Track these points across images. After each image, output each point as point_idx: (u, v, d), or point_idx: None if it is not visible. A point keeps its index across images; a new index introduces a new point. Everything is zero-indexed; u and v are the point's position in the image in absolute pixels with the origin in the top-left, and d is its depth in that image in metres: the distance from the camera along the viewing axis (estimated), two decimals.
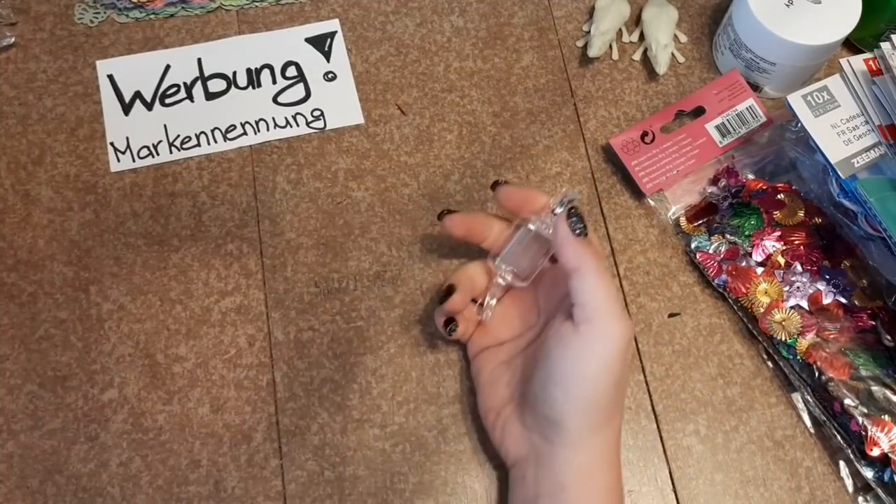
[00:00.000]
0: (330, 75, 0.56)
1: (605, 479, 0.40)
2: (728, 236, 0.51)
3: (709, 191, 0.53)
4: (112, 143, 0.52)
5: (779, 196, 0.51)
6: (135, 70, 0.55)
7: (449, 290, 0.44)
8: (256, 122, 0.54)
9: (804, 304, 0.49)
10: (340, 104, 0.55)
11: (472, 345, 0.47)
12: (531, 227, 0.44)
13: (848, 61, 0.50)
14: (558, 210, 0.43)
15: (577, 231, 0.40)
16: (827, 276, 0.49)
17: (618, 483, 0.41)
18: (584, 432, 0.39)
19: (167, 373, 0.47)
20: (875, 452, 0.44)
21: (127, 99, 0.54)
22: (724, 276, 0.50)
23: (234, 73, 0.55)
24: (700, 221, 0.52)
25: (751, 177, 0.52)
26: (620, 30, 0.58)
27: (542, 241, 0.44)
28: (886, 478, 0.44)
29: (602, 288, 0.39)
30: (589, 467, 0.39)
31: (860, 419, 0.45)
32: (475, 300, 0.46)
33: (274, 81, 0.55)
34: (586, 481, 0.39)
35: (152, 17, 0.56)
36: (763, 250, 0.50)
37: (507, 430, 0.42)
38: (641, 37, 0.58)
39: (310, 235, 0.51)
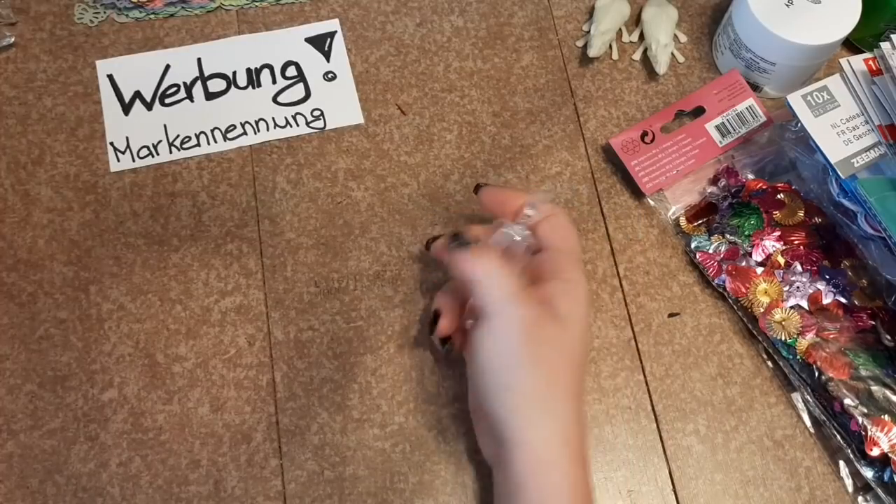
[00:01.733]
0: (330, 75, 0.56)
1: (561, 476, 0.38)
2: (728, 236, 0.51)
3: (708, 191, 0.53)
4: (112, 143, 0.52)
5: (779, 196, 0.51)
6: (135, 70, 0.55)
7: (435, 316, 0.44)
8: (256, 122, 0.54)
9: (804, 303, 0.49)
10: (340, 104, 0.55)
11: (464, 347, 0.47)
12: (504, 230, 0.44)
13: (848, 61, 0.50)
14: (530, 212, 0.43)
15: (452, 247, 0.41)
16: (827, 276, 0.49)
17: (579, 482, 0.39)
18: (519, 423, 0.38)
19: (167, 373, 0.47)
20: (875, 452, 0.44)
21: (127, 99, 0.54)
22: (723, 276, 0.50)
23: (234, 73, 0.55)
24: (700, 221, 0.52)
25: (750, 176, 0.52)
26: (620, 30, 0.58)
27: (521, 245, 0.44)
28: (886, 477, 0.44)
29: (484, 285, 0.40)
30: (541, 464, 0.38)
31: (860, 419, 0.45)
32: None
33: (274, 81, 0.55)
34: (541, 479, 0.38)
35: (152, 16, 0.56)
36: (763, 250, 0.50)
37: (482, 431, 0.44)
38: (641, 36, 0.58)
39: (310, 235, 0.51)
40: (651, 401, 0.48)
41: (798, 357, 0.47)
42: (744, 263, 0.50)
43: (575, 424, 0.39)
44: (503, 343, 0.39)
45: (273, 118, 0.54)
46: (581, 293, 0.41)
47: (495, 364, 0.39)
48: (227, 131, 0.53)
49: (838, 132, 0.49)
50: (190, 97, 0.54)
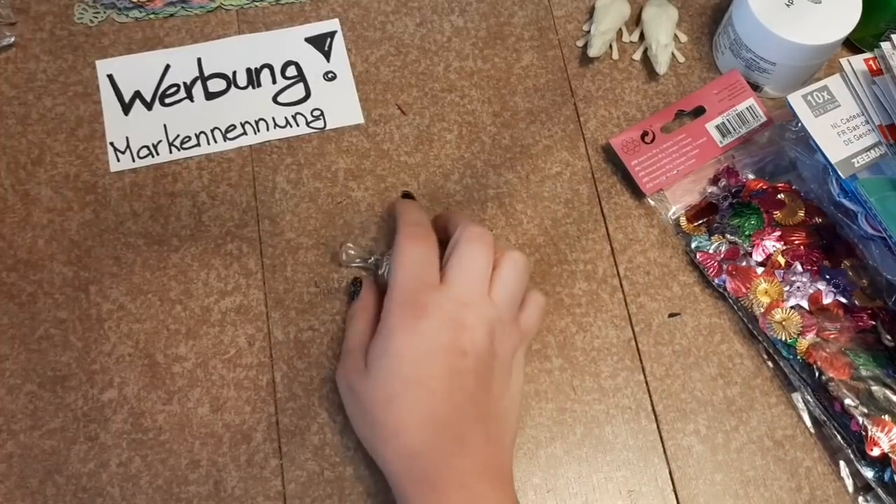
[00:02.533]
0: (330, 75, 0.56)
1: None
2: (728, 236, 0.51)
3: (709, 190, 0.53)
4: (112, 143, 0.52)
5: (779, 196, 0.51)
6: (134, 70, 0.55)
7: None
8: (256, 122, 0.54)
9: (804, 303, 0.49)
10: (340, 104, 0.55)
11: None
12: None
13: (848, 61, 0.50)
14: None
15: (352, 298, 0.47)
16: (827, 276, 0.49)
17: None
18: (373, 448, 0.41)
19: (167, 373, 0.47)
20: (875, 452, 0.44)
21: (127, 99, 0.54)
22: (724, 276, 0.50)
23: (234, 73, 0.55)
24: (700, 221, 0.52)
25: (751, 176, 0.52)
26: (620, 29, 0.58)
27: None
28: (886, 478, 0.44)
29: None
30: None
31: (860, 419, 0.45)
32: None
33: (274, 81, 0.55)
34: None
35: (152, 16, 0.56)
36: (763, 250, 0.50)
37: None
38: (641, 36, 0.57)
39: (310, 235, 0.51)
40: (651, 401, 0.48)
41: (798, 357, 0.47)
42: (744, 263, 0.50)
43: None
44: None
45: (273, 118, 0.54)
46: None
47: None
48: (227, 131, 0.53)
49: (839, 132, 0.49)
50: (190, 97, 0.54)
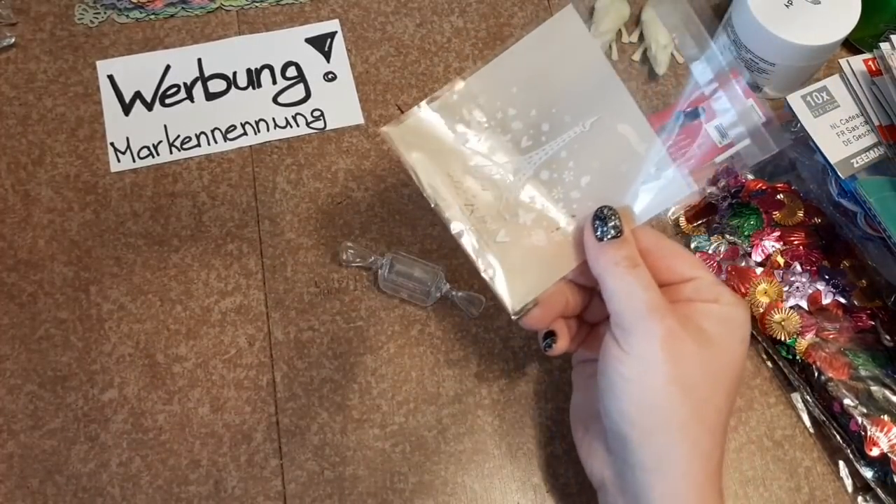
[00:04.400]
0: (330, 75, 0.56)
1: None
2: (727, 236, 0.51)
3: (708, 191, 0.53)
4: (112, 144, 0.53)
5: (778, 196, 0.51)
6: (135, 70, 0.55)
7: (548, 335, 0.40)
8: (256, 123, 0.54)
9: (803, 304, 0.49)
10: (340, 104, 0.55)
11: (576, 356, 0.44)
12: None
13: (847, 62, 0.50)
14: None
15: (599, 235, 0.38)
16: (826, 276, 0.49)
17: None
18: (655, 449, 0.35)
19: (167, 373, 0.47)
20: (874, 452, 0.44)
21: (127, 99, 0.54)
22: (723, 276, 0.50)
23: (235, 74, 0.55)
24: (699, 221, 0.52)
25: (750, 177, 0.52)
26: (620, 30, 0.58)
27: None
28: (885, 478, 0.44)
29: (621, 291, 0.36)
30: (676, 499, 0.35)
31: (860, 419, 0.45)
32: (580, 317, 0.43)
33: (274, 82, 0.55)
34: None
35: (152, 17, 0.56)
36: (762, 250, 0.50)
37: (593, 448, 0.40)
38: (641, 37, 0.58)
39: (310, 235, 0.51)
40: None
41: (798, 357, 0.47)
42: (743, 264, 0.50)
43: (718, 459, 0.36)
44: (642, 360, 0.35)
45: (273, 118, 0.54)
46: (738, 320, 0.37)
47: (625, 374, 0.36)
48: (227, 131, 0.53)
49: (838, 132, 0.49)
50: (190, 97, 0.54)
